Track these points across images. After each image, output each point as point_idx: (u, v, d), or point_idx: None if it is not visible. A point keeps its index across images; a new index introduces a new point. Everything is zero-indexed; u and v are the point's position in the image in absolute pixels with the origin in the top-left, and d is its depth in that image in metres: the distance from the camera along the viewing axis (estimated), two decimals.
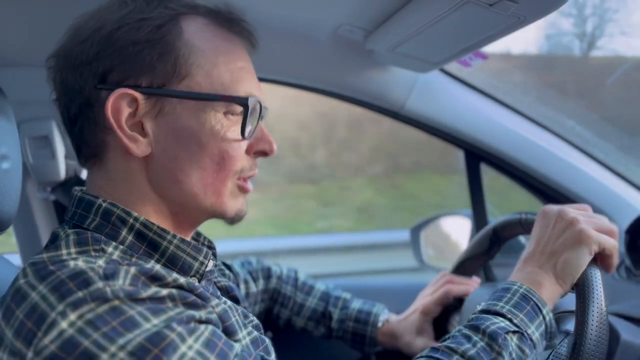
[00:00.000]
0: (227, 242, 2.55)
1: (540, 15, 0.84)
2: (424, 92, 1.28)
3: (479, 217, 1.46)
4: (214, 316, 0.64)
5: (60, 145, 1.18)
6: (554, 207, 0.81)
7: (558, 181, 1.36)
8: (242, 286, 1.10)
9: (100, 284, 0.55)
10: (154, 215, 0.71)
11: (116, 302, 0.54)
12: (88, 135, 0.70)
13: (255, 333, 0.74)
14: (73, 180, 1.21)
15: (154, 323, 0.55)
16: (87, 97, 0.68)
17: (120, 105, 0.66)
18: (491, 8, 0.81)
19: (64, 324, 0.53)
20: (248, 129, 0.71)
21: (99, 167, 0.71)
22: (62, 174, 1.19)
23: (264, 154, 0.76)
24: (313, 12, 1.03)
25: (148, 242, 0.68)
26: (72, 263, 0.58)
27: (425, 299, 1.07)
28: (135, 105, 0.67)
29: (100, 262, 0.59)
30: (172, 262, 0.69)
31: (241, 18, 0.74)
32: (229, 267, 1.09)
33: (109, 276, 0.56)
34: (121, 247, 0.66)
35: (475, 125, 1.32)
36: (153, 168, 0.69)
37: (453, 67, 1.29)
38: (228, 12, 0.74)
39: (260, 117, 0.74)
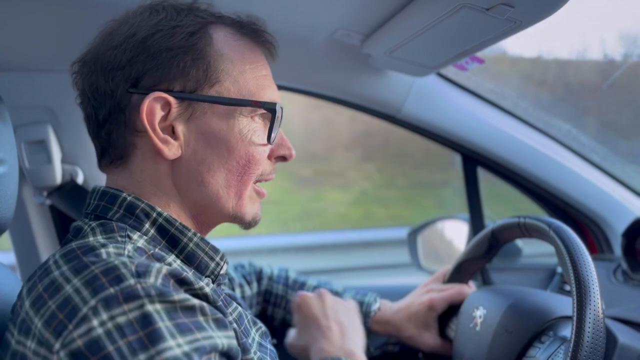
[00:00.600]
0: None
1: (536, 20, 0.84)
2: (420, 96, 1.28)
3: (476, 221, 1.47)
4: (231, 333, 0.64)
5: (56, 150, 1.18)
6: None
7: (555, 185, 1.36)
8: (237, 290, 1.10)
9: (132, 281, 0.56)
10: (176, 216, 0.73)
11: (147, 305, 0.55)
12: (116, 137, 0.71)
13: (263, 344, 0.76)
14: (69, 184, 1.21)
15: (178, 342, 0.55)
16: (118, 101, 0.70)
17: (154, 108, 0.68)
18: (487, 12, 0.81)
19: (94, 322, 0.54)
20: (273, 134, 0.74)
21: (122, 169, 0.73)
22: (59, 178, 1.19)
23: (284, 159, 0.80)
24: (310, 16, 1.03)
25: (169, 237, 0.70)
26: (103, 252, 0.59)
27: (433, 294, 1.06)
28: (167, 109, 0.69)
29: (129, 247, 0.62)
30: (189, 260, 0.71)
31: (264, 29, 0.78)
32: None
33: (141, 274, 0.57)
34: (145, 237, 0.68)
35: (472, 129, 1.32)
36: (180, 170, 0.72)
37: (450, 71, 1.29)
38: (252, 22, 0.77)
39: (281, 123, 0.76)
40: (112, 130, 0.71)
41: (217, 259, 0.74)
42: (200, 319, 0.58)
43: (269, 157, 0.77)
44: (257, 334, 0.76)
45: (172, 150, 0.70)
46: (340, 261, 2.81)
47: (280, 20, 1.06)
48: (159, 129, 0.69)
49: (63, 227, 1.30)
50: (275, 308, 1.16)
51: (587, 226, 1.42)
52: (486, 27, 0.87)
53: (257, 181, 0.76)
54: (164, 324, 0.55)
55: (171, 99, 0.69)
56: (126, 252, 0.61)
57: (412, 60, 1.09)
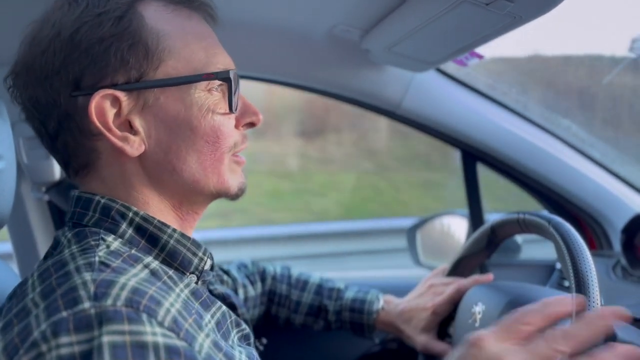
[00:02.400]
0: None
1: (536, 15, 0.84)
2: (420, 92, 1.28)
3: (475, 217, 1.46)
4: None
5: None
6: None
7: (554, 181, 1.36)
8: (240, 291, 1.09)
9: (86, 305, 0.52)
10: (159, 215, 0.70)
11: (94, 340, 0.50)
12: (74, 147, 0.67)
13: (243, 345, 0.73)
14: (67, 180, 1.21)
15: None
16: (64, 108, 0.65)
17: (103, 108, 0.64)
18: (487, 7, 0.81)
19: (43, 347, 0.50)
20: (234, 102, 0.70)
21: (92, 176, 0.69)
22: (57, 174, 1.18)
23: (252, 124, 0.75)
24: (309, 11, 1.02)
25: (148, 236, 0.67)
26: (72, 268, 0.57)
27: (436, 298, 1.06)
28: (118, 105, 0.65)
29: (101, 252, 0.59)
30: (171, 257, 0.68)
31: None
32: (226, 272, 1.09)
33: (99, 295, 0.53)
34: (120, 239, 0.65)
35: (472, 125, 1.32)
36: (149, 164, 0.68)
37: (449, 66, 1.29)
38: None
39: (238, 88, 0.72)
40: (67, 141, 0.67)
41: (200, 253, 0.71)
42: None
43: (237, 126, 0.72)
44: (236, 336, 0.73)
45: (134, 146, 0.66)
46: None
47: (279, 16, 1.06)
48: (114, 127, 0.64)
49: (61, 223, 1.29)
50: (280, 307, 1.16)
51: (587, 222, 1.42)
52: (486, 22, 0.87)
53: (232, 153, 0.72)
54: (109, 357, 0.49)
55: (118, 93, 0.64)
56: (97, 259, 0.58)
57: (411, 56, 1.09)
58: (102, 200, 0.67)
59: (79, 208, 0.68)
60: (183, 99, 0.67)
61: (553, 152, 1.35)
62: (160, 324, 0.54)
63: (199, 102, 0.67)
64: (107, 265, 0.58)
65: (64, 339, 0.50)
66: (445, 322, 1.06)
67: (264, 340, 0.88)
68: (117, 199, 0.68)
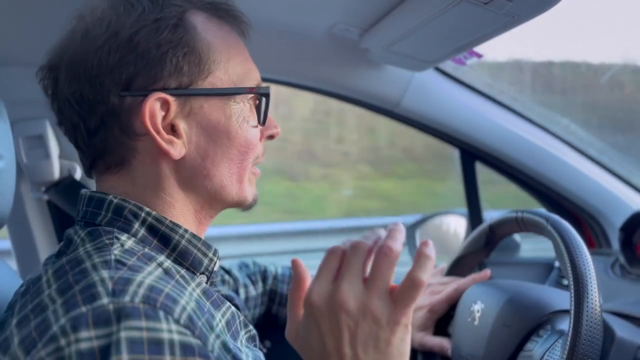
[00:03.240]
0: None
1: (534, 14, 0.84)
2: (418, 91, 1.28)
3: (474, 216, 1.47)
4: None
5: (54, 145, 1.17)
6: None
7: (553, 179, 1.36)
8: (241, 291, 1.09)
9: (105, 300, 0.53)
10: (181, 217, 0.71)
11: (113, 335, 0.51)
12: (113, 144, 0.68)
13: (250, 347, 0.74)
14: (67, 180, 1.21)
15: None
16: (112, 106, 0.66)
17: (154, 110, 0.66)
18: (486, 7, 0.81)
19: (62, 341, 0.52)
20: (267, 116, 0.74)
21: (121, 175, 0.70)
22: (56, 173, 1.18)
23: (271, 137, 0.79)
24: (308, 10, 1.03)
25: (160, 236, 0.68)
26: (89, 266, 0.58)
27: (433, 297, 1.06)
28: (166, 108, 0.67)
29: (116, 250, 0.60)
30: (183, 257, 0.69)
31: (235, 9, 0.75)
32: (228, 272, 1.09)
33: (117, 292, 0.54)
34: (133, 238, 0.66)
35: (470, 124, 1.32)
36: (185, 168, 0.70)
37: (448, 65, 1.29)
38: (223, 3, 0.74)
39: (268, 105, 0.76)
40: (108, 137, 0.68)
41: (210, 254, 0.72)
42: (166, 358, 0.52)
43: (260, 138, 0.76)
44: (244, 337, 0.74)
45: (177, 149, 0.68)
46: None
47: (278, 15, 1.06)
48: (162, 130, 0.67)
49: (61, 223, 1.29)
50: (280, 307, 1.16)
51: (585, 220, 1.42)
52: (484, 21, 0.87)
53: (253, 164, 0.76)
54: (118, 357, 0.50)
55: (169, 97, 0.66)
56: (113, 257, 0.59)
57: (410, 55, 1.09)
58: (115, 200, 0.68)
59: (92, 207, 0.69)
60: (224, 110, 0.70)
61: (552, 151, 1.35)
62: (177, 322, 0.55)
63: (237, 113, 0.71)
64: (123, 264, 0.59)
65: (83, 334, 0.51)
66: (444, 321, 1.06)
67: (268, 344, 0.88)
68: (144, 199, 0.69)
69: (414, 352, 1.08)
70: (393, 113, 1.31)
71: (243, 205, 0.76)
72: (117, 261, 0.59)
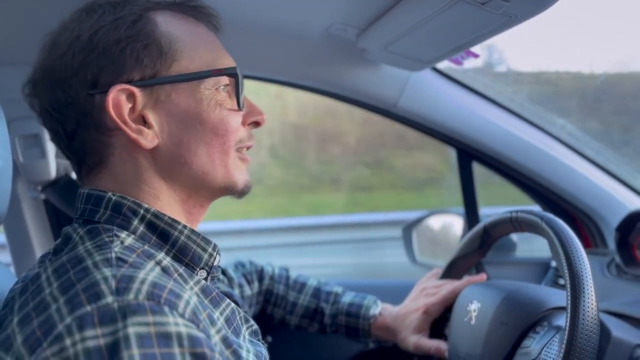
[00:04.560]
0: None
1: (531, 14, 0.84)
2: (416, 91, 1.28)
3: (471, 216, 1.47)
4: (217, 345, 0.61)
5: (50, 144, 1.17)
6: None
7: (549, 179, 1.37)
8: (236, 290, 1.10)
9: (109, 299, 0.54)
10: (167, 208, 0.72)
11: (120, 331, 0.52)
12: (90, 144, 0.70)
13: (254, 342, 0.74)
14: (64, 179, 1.21)
15: None
16: (82, 106, 0.68)
17: (119, 101, 0.67)
18: (483, 7, 0.81)
19: (67, 341, 0.52)
20: (241, 98, 0.74)
21: (103, 174, 0.71)
22: (53, 173, 1.18)
23: (257, 124, 0.79)
24: (305, 10, 1.03)
25: (159, 232, 0.69)
26: (90, 264, 0.58)
27: (428, 299, 1.07)
28: (133, 100, 0.68)
29: (116, 248, 0.61)
30: (182, 253, 0.70)
31: (203, 4, 0.77)
32: (223, 272, 1.09)
33: (120, 290, 0.55)
34: (133, 235, 0.67)
35: (468, 124, 1.32)
36: (161, 157, 0.71)
37: (445, 65, 1.29)
38: (187, 1, 0.76)
39: (243, 88, 0.76)
40: (85, 138, 0.70)
41: (210, 249, 0.73)
42: (175, 351, 0.53)
43: (243, 124, 0.76)
44: (247, 332, 0.75)
45: (148, 139, 0.69)
46: None
47: (276, 15, 1.06)
48: (129, 121, 0.68)
49: (57, 222, 1.29)
50: (276, 308, 1.16)
51: (581, 220, 1.42)
52: (481, 21, 0.87)
53: (237, 149, 0.76)
54: (129, 352, 0.51)
55: (133, 88, 0.67)
56: (113, 255, 0.60)
57: (407, 55, 1.09)
58: (114, 198, 0.69)
59: (90, 205, 0.69)
60: (193, 95, 0.71)
61: (548, 151, 1.36)
62: (182, 316, 0.56)
63: (207, 97, 0.71)
64: (124, 261, 0.60)
65: (89, 332, 0.52)
66: (440, 323, 1.06)
67: (269, 339, 0.89)
68: (127, 194, 0.70)
69: (411, 356, 1.08)
70: (390, 113, 1.31)
71: (233, 192, 0.76)
72: (118, 259, 0.60)
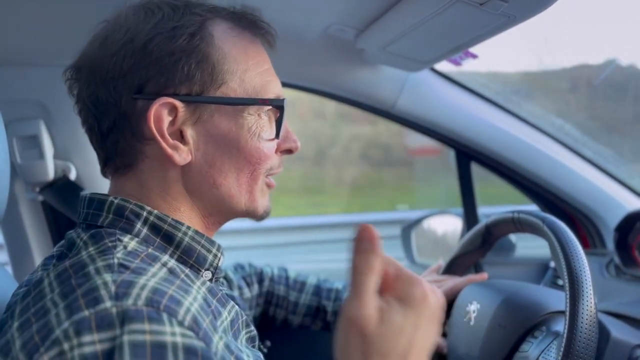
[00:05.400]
0: None
1: (530, 15, 0.84)
2: (414, 91, 1.28)
3: (469, 216, 1.47)
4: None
5: (48, 145, 1.17)
6: None
7: (548, 180, 1.37)
8: (236, 292, 1.09)
9: (108, 304, 0.53)
10: (186, 222, 0.71)
11: (117, 338, 0.51)
12: (123, 146, 0.69)
13: (250, 348, 0.74)
14: (62, 180, 1.20)
15: None
16: (123, 109, 0.67)
17: (161, 114, 0.66)
18: (481, 7, 0.81)
19: (65, 345, 0.51)
20: (282, 129, 0.74)
21: (129, 177, 0.71)
22: (51, 174, 1.18)
23: (290, 151, 0.79)
24: (304, 11, 1.02)
25: (163, 234, 0.68)
26: (92, 270, 0.58)
27: None
28: (174, 114, 0.67)
29: (119, 254, 0.60)
30: (187, 254, 0.69)
31: (261, 19, 0.76)
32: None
33: (120, 295, 0.54)
34: (136, 238, 0.66)
35: (466, 125, 1.32)
36: (191, 174, 0.70)
37: (443, 66, 1.29)
38: (248, 14, 0.75)
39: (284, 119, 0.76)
40: (119, 140, 0.69)
41: (214, 250, 0.72)
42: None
43: (276, 151, 0.76)
44: (245, 337, 0.74)
45: (182, 155, 0.68)
46: None
47: (274, 15, 1.05)
48: (167, 135, 0.67)
49: (55, 223, 1.29)
50: (277, 309, 1.16)
51: (580, 221, 1.43)
52: (480, 21, 0.87)
53: (266, 175, 0.75)
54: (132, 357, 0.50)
55: (178, 103, 0.67)
56: (116, 261, 0.59)
57: (406, 55, 1.09)
58: (116, 201, 0.68)
59: (93, 209, 0.69)
60: (235, 119, 0.70)
61: (547, 151, 1.36)
62: (180, 324, 0.54)
63: (249, 124, 0.71)
64: (126, 267, 0.59)
65: (86, 338, 0.51)
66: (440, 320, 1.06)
67: (268, 343, 0.88)
68: (149, 202, 0.70)
69: None
70: (389, 113, 1.31)
71: (253, 217, 0.76)
72: (120, 264, 0.59)
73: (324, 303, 1.14)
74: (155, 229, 0.68)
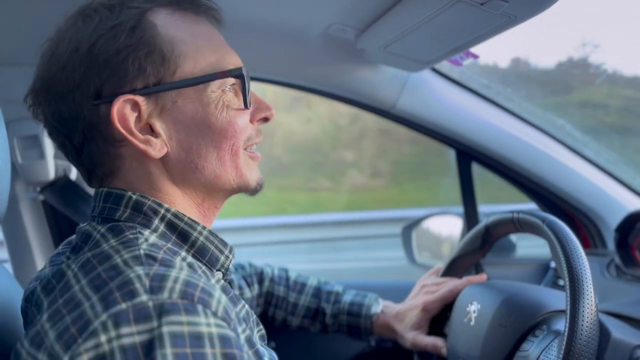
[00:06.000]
0: None
1: (530, 15, 0.84)
2: (415, 92, 1.28)
3: (470, 216, 1.47)
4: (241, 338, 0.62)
5: (49, 145, 1.17)
6: None
7: (549, 180, 1.37)
8: (236, 292, 1.09)
9: (144, 297, 0.54)
10: (183, 212, 0.72)
11: (155, 330, 0.53)
12: (99, 156, 0.69)
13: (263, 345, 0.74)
14: (62, 180, 1.20)
15: None
16: (88, 119, 0.67)
17: (124, 113, 0.66)
18: (482, 7, 0.81)
19: (102, 337, 0.53)
20: (247, 97, 0.73)
21: (116, 183, 0.71)
22: (52, 173, 1.18)
23: (266, 119, 0.78)
24: (304, 11, 1.02)
25: (179, 232, 0.69)
26: (119, 261, 0.59)
27: (427, 296, 1.07)
28: (137, 110, 0.67)
29: (143, 245, 0.61)
30: (201, 254, 0.70)
31: None
32: None
33: (154, 289, 0.55)
34: (155, 234, 0.67)
35: (467, 125, 1.32)
36: (172, 165, 0.70)
37: (444, 66, 1.29)
38: None
39: (249, 86, 0.75)
40: (93, 150, 0.69)
41: (227, 252, 0.73)
42: (207, 351, 0.54)
43: (251, 121, 0.75)
44: (257, 335, 0.75)
45: (156, 148, 0.68)
46: None
47: (275, 16, 1.06)
48: (136, 131, 0.67)
49: (56, 223, 1.29)
50: (277, 310, 1.16)
51: (581, 221, 1.43)
52: (481, 21, 0.87)
53: (246, 147, 0.75)
54: (162, 351, 0.52)
55: (138, 97, 0.66)
56: (142, 252, 0.60)
57: (406, 55, 1.09)
58: (134, 197, 0.68)
59: (110, 203, 0.69)
60: (199, 99, 0.69)
61: (547, 151, 1.36)
62: (215, 314, 0.57)
63: (214, 100, 0.70)
64: (153, 258, 0.60)
65: (125, 330, 0.53)
66: (440, 321, 1.06)
67: (273, 344, 0.89)
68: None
69: (411, 353, 1.08)
70: (389, 114, 1.31)
71: (246, 191, 0.76)
72: (147, 255, 0.60)
73: (323, 305, 1.14)
74: (172, 226, 0.69)
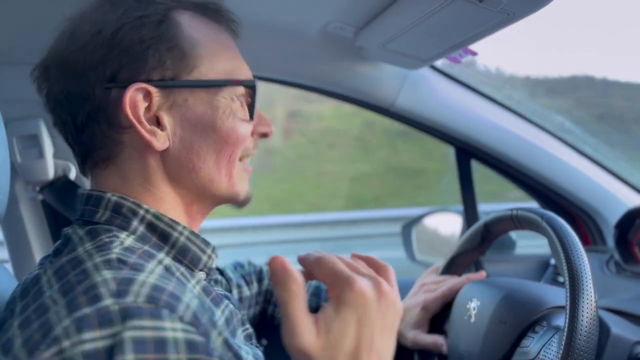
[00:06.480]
0: None
1: (529, 12, 0.84)
2: (414, 89, 1.28)
3: (469, 214, 1.47)
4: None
5: (48, 145, 1.17)
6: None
7: (548, 177, 1.37)
8: (234, 291, 1.09)
9: (109, 302, 0.53)
10: (171, 212, 0.72)
11: (117, 335, 0.51)
12: (100, 139, 0.69)
13: (248, 344, 0.74)
14: (61, 180, 1.20)
15: None
16: (97, 101, 0.67)
17: (136, 100, 0.67)
18: (480, 4, 0.81)
19: (65, 343, 0.51)
20: (255, 110, 0.74)
21: (110, 170, 0.71)
22: (51, 173, 1.18)
23: (264, 135, 0.79)
24: (302, 8, 1.02)
25: (159, 233, 0.69)
26: (90, 266, 0.58)
27: (427, 294, 1.07)
28: (149, 99, 0.68)
29: (116, 249, 0.61)
30: (182, 254, 0.70)
31: (224, 9, 0.77)
32: (221, 272, 1.09)
33: (120, 292, 0.54)
34: (133, 236, 0.66)
35: (466, 122, 1.32)
36: (170, 160, 0.70)
37: (443, 63, 1.29)
38: (211, 3, 0.76)
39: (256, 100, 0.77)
40: (95, 132, 0.69)
41: (209, 251, 0.73)
42: (171, 357, 0.52)
43: (252, 134, 0.76)
44: (242, 335, 0.74)
45: (160, 140, 0.68)
46: None
47: (273, 13, 1.06)
48: (144, 120, 0.67)
49: (55, 223, 1.29)
50: (276, 308, 1.16)
51: (580, 218, 1.43)
52: (479, 19, 0.87)
53: (242, 157, 0.76)
54: (123, 357, 0.50)
55: (152, 88, 0.67)
56: (114, 256, 0.59)
57: (405, 53, 1.09)
58: (113, 198, 0.68)
59: (90, 206, 0.69)
60: (210, 102, 0.71)
61: (547, 149, 1.36)
62: (181, 319, 0.55)
63: (223, 105, 0.71)
64: (124, 263, 0.59)
65: (87, 335, 0.51)
66: (441, 319, 1.06)
67: (264, 342, 0.88)
68: (132, 193, 0.70)
69: (411, 351, 1.08)
70: (388, 111, 1.31)
71: (234, 202, 0.76)
72: (119, 260, 0.59)
73: (323, 304, 1.13)
74: (151, 227, 0.69)
